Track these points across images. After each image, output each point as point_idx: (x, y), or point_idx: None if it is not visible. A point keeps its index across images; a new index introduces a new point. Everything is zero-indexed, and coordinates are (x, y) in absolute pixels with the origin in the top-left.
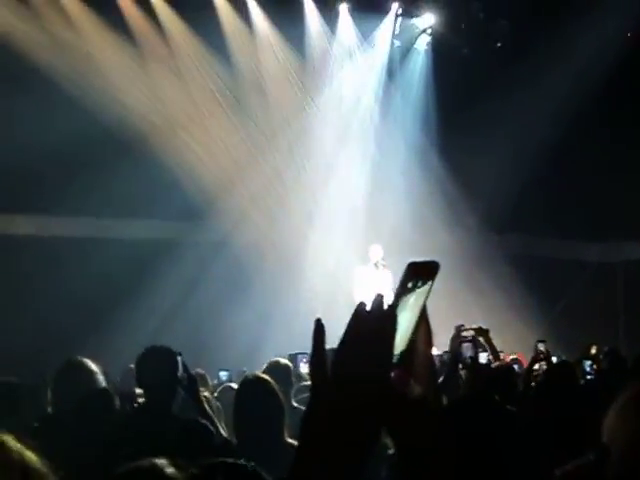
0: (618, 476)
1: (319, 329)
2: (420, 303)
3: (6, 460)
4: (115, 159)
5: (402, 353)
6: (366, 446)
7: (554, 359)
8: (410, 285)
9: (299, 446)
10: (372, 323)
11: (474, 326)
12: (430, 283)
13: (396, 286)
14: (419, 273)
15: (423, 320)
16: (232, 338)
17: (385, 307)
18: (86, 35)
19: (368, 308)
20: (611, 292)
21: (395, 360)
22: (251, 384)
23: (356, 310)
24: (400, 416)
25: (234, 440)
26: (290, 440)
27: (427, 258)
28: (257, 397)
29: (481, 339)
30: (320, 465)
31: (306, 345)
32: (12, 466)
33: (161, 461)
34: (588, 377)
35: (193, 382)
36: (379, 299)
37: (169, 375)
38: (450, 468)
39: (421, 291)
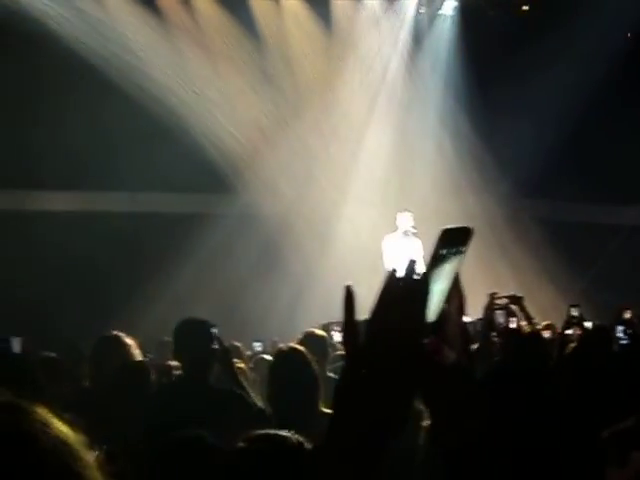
0: None
1: (349, 296)
2: (453, 270)
3: (30, 430)
4: (145, 134)
5: (435, 320)
6: (400, 413)
7: (587, 324)
8: (444, 252)
9: (333, 413)
10: (404, 290)
11: (508, 294)
12: (464, 249)
13: (428, 253)
14: (452, 239)
15: (456, 287)
16: (265, 309)
17: (417, 274)
18: (113, 10)
19: (400, 275)
20: None
21: (428, 327)
22: (285, 355)
23: (388, 277)
24: (434, 383)
25: (269, 411)
26: (326, 410)
27: (460, 224)
28: (291, 368)
29: (515, 307)
30: (354, 432)
31: (338, 315)
32: (35, 437)
33: (204, 433)
34: (622, 342)
35: (227, 354)
36: (411, 265)
37: (205, 347)
38: (482, 433)
39: (455, 258)
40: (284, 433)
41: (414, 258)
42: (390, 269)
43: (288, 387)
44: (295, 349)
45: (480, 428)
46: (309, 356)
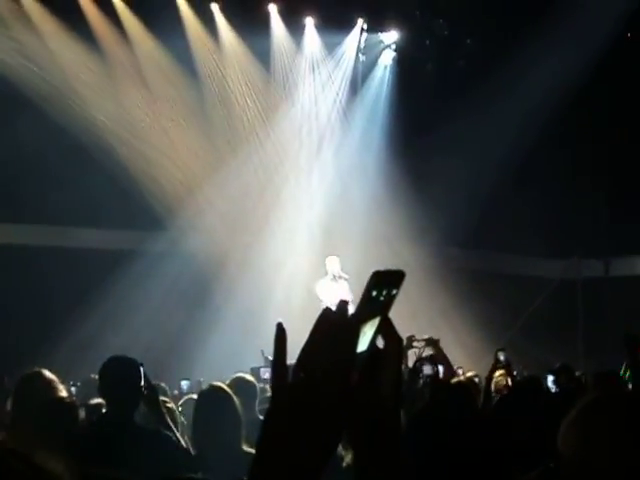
0: None
1: (281, 333)
2: (383, 312)
3: None
4: (74, 166)
5: (362, 358)
6: (325, 449)
7: (514, 373)
8: (374, 294)
9: (258, 448)
10: (335, 330)
11: (425, 336)
12: (395, 292)
13: (357, 296)
14: (384, 282)
15: (392, 332)
16: (191, 349)
17: (348, 314)
18: (49, 40)
19: (332, 313)
20: (571, 308)
21: (356, 364)
22: (208, 393)
23: (320, 315)
24: (359, 422)
25: (194, 449)
26: (248, 449)
27: (392, 268)
28: (214, 406)
29: (432, 349)
30: (278, 467)
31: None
32: None
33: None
34: (552, 392)
35: (154, 393)
36: (342, 306)
37: (132, 385)
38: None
39: (385, 300)
40: (197, 476)
41: (345, 299)
42: (324, 307)
43: (211, 425)
44: (218, 387)
45: (405, 472)
46: (232, 394)
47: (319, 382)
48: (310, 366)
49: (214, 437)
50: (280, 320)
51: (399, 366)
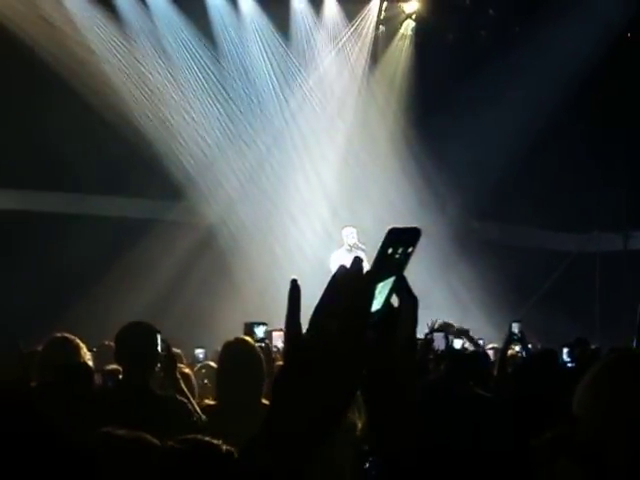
0: (585, 446)
1: (295, 288)
2: (399, 270)
3: None
4: (94, 134)
5: (378, 316)
6: (337, 408)
7: (529, 345)
8: (390, 251)
9: (272, 402)
10: (349, 287)
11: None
12: (411, 250)
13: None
14: (400, 240)
15: (406, 290)
16: (206, 318)
17: (363, 271)
18: (71, 11)
19: (348, 269)
20: (588, 282)
21: (371, 321)
22: (235, 345)
23: (335, 272)
24: (373, 381)
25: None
26: (267, 402)
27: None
28: (239, 357)
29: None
30: (291, 423)
31: (281, 324)
32: None
33: (140, 432)
34: (568, 365)
35: (171, 360)
36: (357, 263)
37: (149, 351)
38: (421, 440)
39: (401, 257)
40: (218, 442)
41: (359, 257)
42: (339, 265)
43: (235, 375)
44: (244, 339)
45: (420, 434)
46: (258, 349)
47: (333, 339)
48: (324, 322)
49: (237, 388)
50: (294, 277)
51: (414, 326)
